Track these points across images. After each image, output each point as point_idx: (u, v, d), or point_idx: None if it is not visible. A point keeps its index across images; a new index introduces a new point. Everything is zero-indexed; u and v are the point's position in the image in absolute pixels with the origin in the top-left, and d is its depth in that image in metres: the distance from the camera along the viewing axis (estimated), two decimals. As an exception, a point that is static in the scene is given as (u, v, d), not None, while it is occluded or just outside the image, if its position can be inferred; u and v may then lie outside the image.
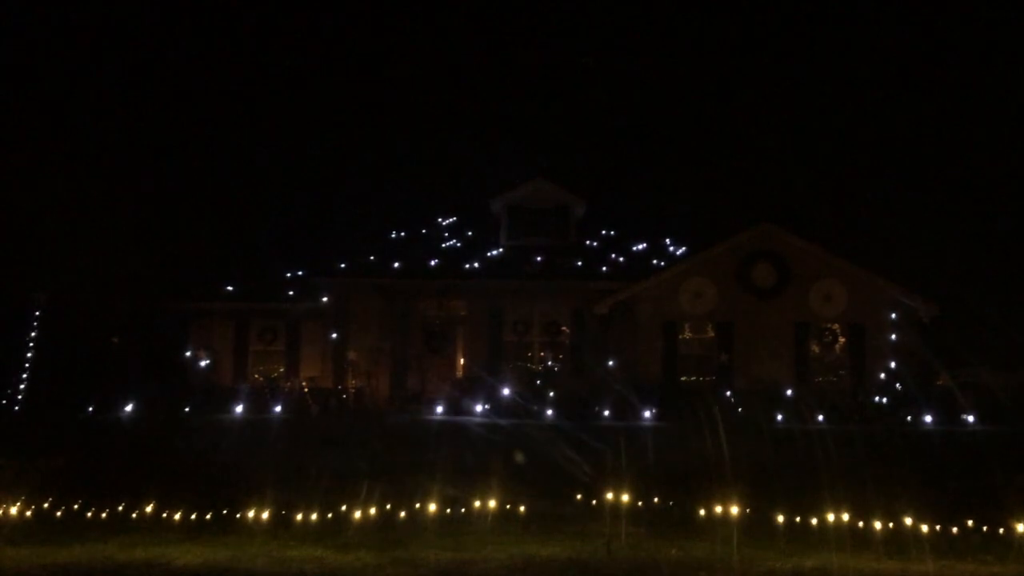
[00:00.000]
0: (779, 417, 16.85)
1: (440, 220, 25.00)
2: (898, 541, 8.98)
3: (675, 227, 24.22)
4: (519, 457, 11.98)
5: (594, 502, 10.38)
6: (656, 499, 10.42)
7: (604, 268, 21.61)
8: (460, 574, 7.95)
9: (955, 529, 9.28)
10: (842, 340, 20.29)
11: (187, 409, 18.22)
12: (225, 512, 9.92)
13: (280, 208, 26.09)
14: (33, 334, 20.52)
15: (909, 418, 17.20)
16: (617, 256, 22.50)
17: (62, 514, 10.15)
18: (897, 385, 18.79)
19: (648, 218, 24.56)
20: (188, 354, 21.26)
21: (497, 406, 18.02)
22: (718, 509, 9.58)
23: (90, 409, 17.17)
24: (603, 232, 24.35)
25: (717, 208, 24.77)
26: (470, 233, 23.98)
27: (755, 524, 9.51)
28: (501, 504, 10.10)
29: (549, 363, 21.23)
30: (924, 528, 9.15)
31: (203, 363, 20.94)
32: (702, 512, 9.77)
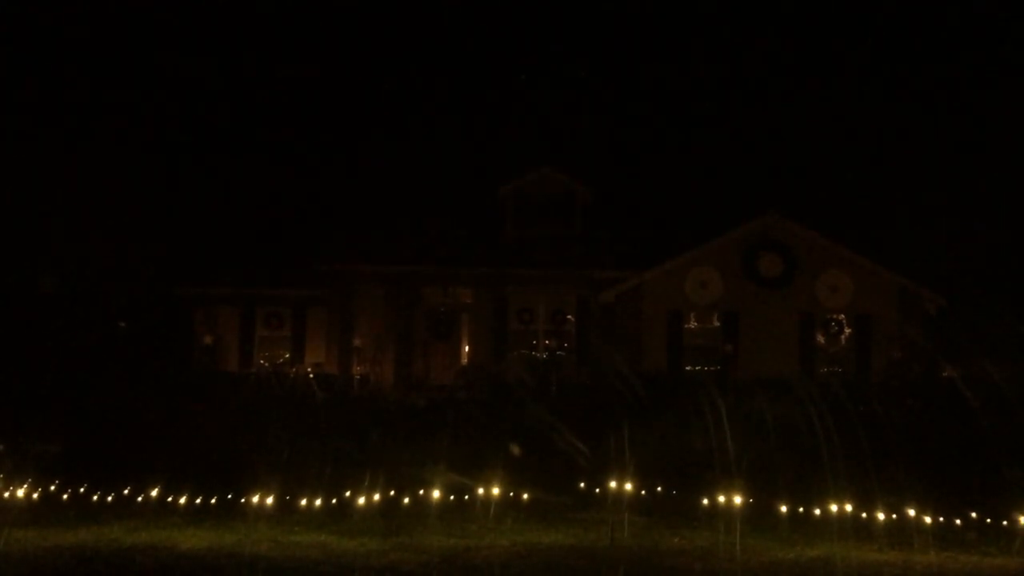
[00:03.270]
0: (783, 407, 16.82)
1: (446, 207, 24.95)
2: (901, 532, 8.99)
3: (682, 216, 24.14)
4: (516, 450, 12.00)
5: (597, 490, 10.41)
6: (659, 488, 10.45)
7: (610, 257, 21.59)
8: (464, 560, 7.98)
9: (958, 521, 9.28)
10: (848, 331, 20.27)
11: (192, 394, 18.27)
12: (230, 497, 9.98)
13: (287, 194, 26.09)
14: (40, 317, 20.60)
15: (914, 409, 17.17)
16: (623, 245, 22.46)
17: (68, 497, 10.22)
18: (902, 376, 18.77)
19: (655, 207, 24.43)
20: (194, 339, 21.33)
21: (501, 394, 18.05)
22: (721, 499, 9.60)
23: (96, 393, 17.22)
24: (609, 221, 24.29)
25: (724, 197, 24.69)
26: (476, 221, 23.94)
27: (758, 514, 9.53)
28: (504, 492, 10.13)
29: (554, 351, 21.27)
30: (927, 519, 9.15)
31: (209, 348, 21.01)
32: (705, 501, 9.79)
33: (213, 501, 9.93)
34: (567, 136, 30.66)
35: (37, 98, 31.57)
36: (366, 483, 10.13)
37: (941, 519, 9.26)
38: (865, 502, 9.59)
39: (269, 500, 9.80)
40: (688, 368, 20.20)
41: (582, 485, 10.71)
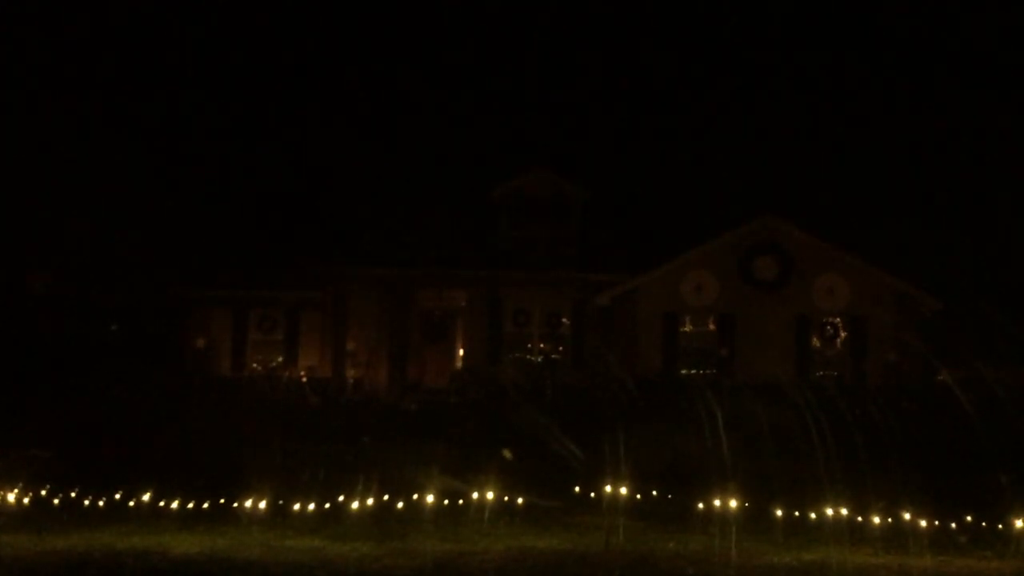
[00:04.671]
0: (779, 411, 16.78)
1: (441, 209, 24.85)
2: (897, 536, 8.95)
3: (678, 218, 24.11)
4: (508, 454, 11.94)
5: (592, 495, 10.34)
6: (655, 492, 10.39)
7: (606, 259, 21.54)
8: (457, 565, 7.93)
9: (954, 525, 9.25)
10: (843, 334, 20.25)
11: (185, 398, 18.19)
12: (222, 502, 9.89)
13: (280, 196, 26.03)
14: (31, 319, 20.48)
15: (909, 413, 17.14)
16: (619, 247, 22.41)
17: (59, 502, 10.12)
18: (898, 379, 18.76)
19: (651, 209, 24.43)
20: (186, 342, 21.23)
21: (496, 397, 17.99)
22: (716, 503, 9.54)
23: (87, 397, 17.11)
24: (605, 222, 24.21)
25: (720, 199, 24.72)
26: (470, 222, 23.84)
27: (754, 518, 9.48)
28: (499, 496, 10.07)
29: (549, 354, 21.21)
30: (923, 523, 9.12)
31: (201, 351, 20.90)
32: (701, 506, 9.73)
33: (205, 506, 9.83)
34: (563, 137, 30.66)
35: (33, 98, 31.48)
36: (359, 487, 10.06)
37: (937, 523, 9.23)
38: (861, 506, 9.56)
39: (262, 504, 9.73)
40: (684, 371, 20.15)
41: (577, 489, 10.65)
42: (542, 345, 21.34)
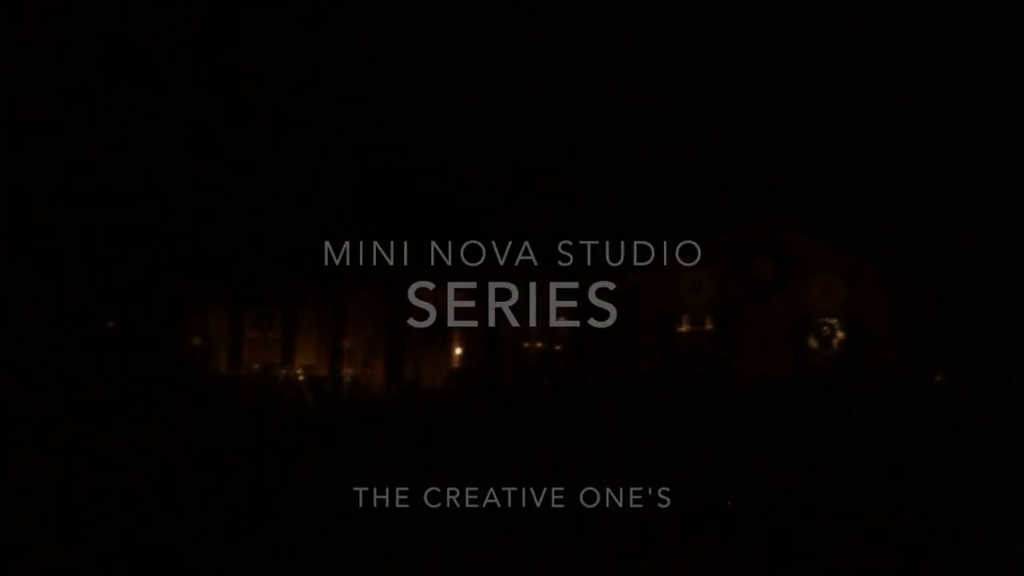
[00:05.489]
0: (775, 411, 16.78)
1: (437, 207, 24.80)
2: (892, 537, 8.90)
3: (677, 218, 24.07)
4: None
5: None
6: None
7: (603, 259, 21.48)
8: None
9: (951, 529, 9.21)
10: (840, 334, 20.22)
11: (182, 398, 18.14)
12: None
13: (277, 195, 25.99)
14: (27, 318, 20.40)
15: (907, 413, 17.13)
16: (618, 246, 22.33)
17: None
18: (895, 380, 18.74)
19: (650, 208, 24.42)
20: (183, 340, 21.17)
21: (493, 397, 17.96)
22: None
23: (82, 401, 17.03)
24: (604, 222, 24.15)
25: (719, 200, 24.72)
26: (467, 220, 23.78)
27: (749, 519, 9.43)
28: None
29: (546, 354, 21.16)
30: (918, 524, 9.07)
31: (198, 350, 20.84)
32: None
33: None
34: (562, 136, 30.62)
35: (33, 93, 31.39)
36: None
37: (933, 524, 9.18)
38: (855, 508, 9.51)
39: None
40: (681, 371, 20.12)
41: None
42: (539, 344, 21.30)
